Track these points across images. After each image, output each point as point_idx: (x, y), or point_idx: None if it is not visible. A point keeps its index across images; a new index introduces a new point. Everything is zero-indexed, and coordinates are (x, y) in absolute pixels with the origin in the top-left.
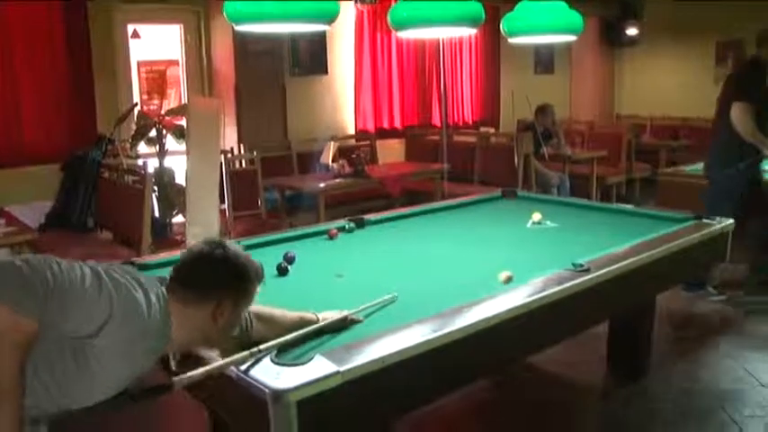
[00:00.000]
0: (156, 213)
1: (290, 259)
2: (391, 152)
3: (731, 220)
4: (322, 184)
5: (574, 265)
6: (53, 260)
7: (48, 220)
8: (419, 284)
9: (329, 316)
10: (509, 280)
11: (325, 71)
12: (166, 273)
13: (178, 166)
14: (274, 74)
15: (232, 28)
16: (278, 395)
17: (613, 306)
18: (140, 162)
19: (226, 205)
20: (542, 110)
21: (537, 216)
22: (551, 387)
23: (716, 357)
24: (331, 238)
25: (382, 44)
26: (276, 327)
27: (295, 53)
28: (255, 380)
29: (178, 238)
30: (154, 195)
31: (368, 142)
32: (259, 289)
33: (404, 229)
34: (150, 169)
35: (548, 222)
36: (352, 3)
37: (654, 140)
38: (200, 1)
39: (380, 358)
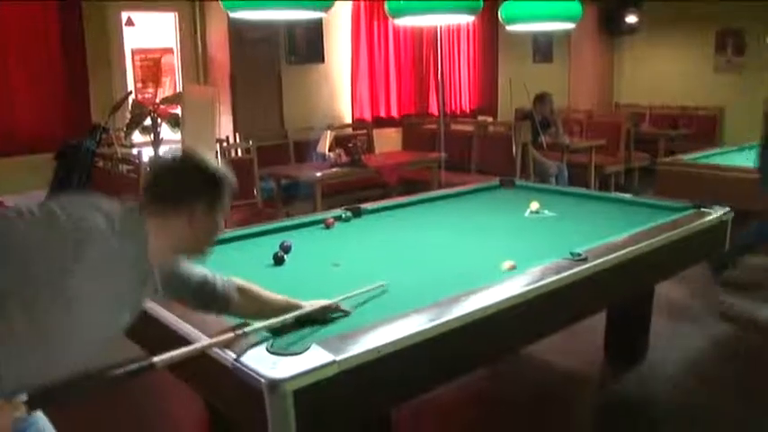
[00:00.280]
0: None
1: (286, 248)
2: (388, 141)
3: (729, 209)
4: (318, 174)
5: (572, 254)
6: None
7: None
8: (416, 274)
9: (316, 305)
10: (512, 269)
11: (322, 59)
12: None
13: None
14: (270, 62)
15: (227, 15)
16: (274, 385)
17: (611, 295)
18: (135, 151)
19: None
20: (540, 98)
21: (535, 205)
22: (549, 376)
23: (716, 347)
24: (327, 227)
25: (379, 32)
26: (258, 305)
27: (291, 41)
28: (251, 369)
29: None
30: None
31: (365, 131)
32: (228, 199)
33: (401, 219)
34: (145, 158)
35: (546, 212)
36: None
37: (653, 129)
38: None
39: (377, 348)
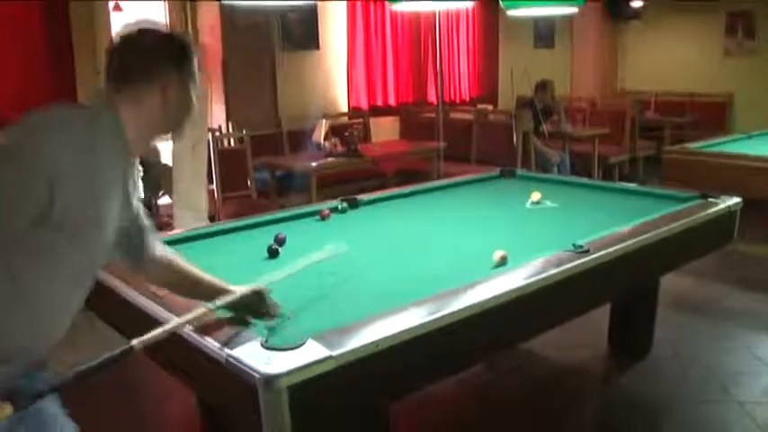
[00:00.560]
0: (142, 195)
1: (280, 241)
2: (385, 130)
3: (738, 199)
4: (314, 164)
5: (574, 245)
6: None
7: None
8: (414, 266)
9: (245, 289)
10: (503, 260)
11: (317, 46)
12: None
13: (164, 145)
14: (264, 49)
15: (219, 1)
16: (269, 381)
17: (615, 288)
18: None
19: (214, 186)
20: (542, 86)
21: (536, 196)
22: (551, 371)
23: (722, 341)
24: (323, 219)
25: (376, 18)
26: (189, 282)
27: (285, 27)
28: (245, 365)
29: (165, 220)
30: (138, 176)
31: (361, 120)
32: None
33: (398, 210)
34: None
35: (547, 202)
36: None
37: (658, 117)
38: None
39: (374, 342)
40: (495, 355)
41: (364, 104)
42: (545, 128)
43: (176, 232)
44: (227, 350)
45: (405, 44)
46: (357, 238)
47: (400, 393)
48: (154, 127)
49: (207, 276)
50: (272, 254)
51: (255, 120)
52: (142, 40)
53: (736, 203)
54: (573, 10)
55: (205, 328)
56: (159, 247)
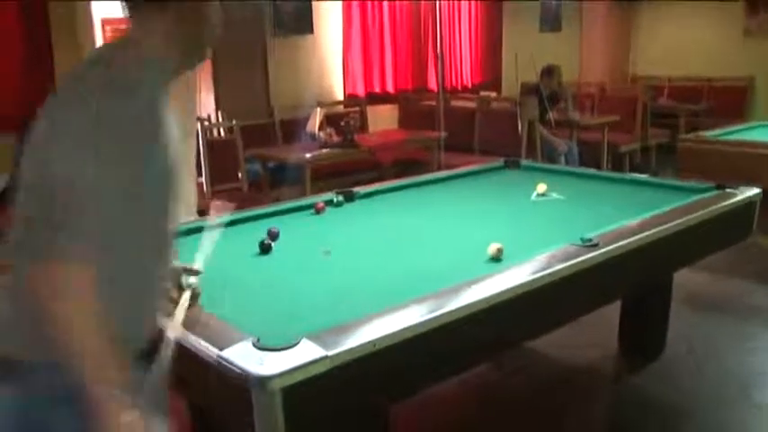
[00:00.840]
0: None
1: (273, 235)
2: (383, 119)
3: (757, 190)
4: (308, 155)
5: (582, 239)
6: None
7: (4, 196)
8: (414, 261)
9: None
10: (499, 253)
11: (311, 31)
12: None
13: None
14: (255, 34)
15: None
16: (261, 382)
17: (625, 284)
18: None
19: (203, 178)
20: (548, 71)
21: (542, 187)
22: (558, 371)
23: (741, 340)
24: (318, 212)
25: (373, 0)
26: None
27: (278, 11)
28: (237, 366)
29: None
30: None
31: (358, 108)
32: None
33: (397, 203)
34: None
35: (554, 194)
36: None
37: (673, 103)
38: None
39: (372, 341)
40: (499, 354)
41: (361, 92)
42: (551, 116)
43: None
44: (217, 350)
45: (404, 28)
46: (353, 233)
47: (400, 395)
48: (184, 51)
49: None
50: (265, 249)
51: (246, 109)
52: None
53: (756, 194)
54: None
55: (194, 327)
56: None
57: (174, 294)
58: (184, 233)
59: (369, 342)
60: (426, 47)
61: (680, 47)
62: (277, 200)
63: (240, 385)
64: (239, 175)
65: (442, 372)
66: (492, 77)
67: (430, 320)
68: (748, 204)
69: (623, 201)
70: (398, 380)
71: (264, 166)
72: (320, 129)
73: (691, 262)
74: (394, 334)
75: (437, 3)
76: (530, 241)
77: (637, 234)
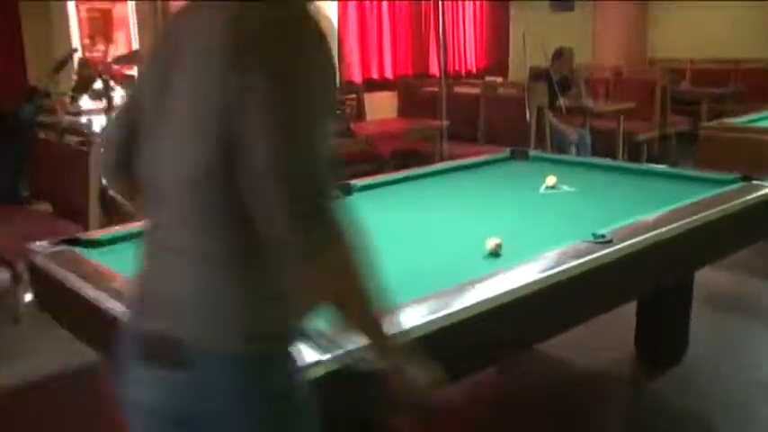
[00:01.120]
0: (105, 181)
1: None
2: (381, 107)
3: None
4: None
5: (594, 235)
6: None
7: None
8: (414, 259)
9: None
10: (498, 248)
11: None
12: (123, 249)
13: None
14: None
15: None
16: None
17: (642, 284)
18: (84, 119)
19: None
20: (559, 55)
21: (551, 179)
22: (570, 376)
23: (766, 343)
24: None
25: None
26: None
27: None
28: None
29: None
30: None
31: (354, 95)
32: None
33: (396, 197)
34: (96, 128)
35: (564, 187)
36: None
37: (695, 88)
38: None
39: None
40: (506, 358)
41: (357, 77)
42: (562, 102)
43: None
44: None
45: (403, 10)
46: None
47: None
48: None
49: None
50: None
51: None
52: None
53: None
54: None
55: None
56: None
57: None
58: None
59: (366, 345)
60: (428, 29)
61: (703, 26)
62: None
63: None
64: None
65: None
66: (498, 61)
67: (430, 322)
68: None
69: (639, 194)
70: None
71: None
72: None
73: (713, 260)
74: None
75: None
76: (538, 237)
77: (654, 230)
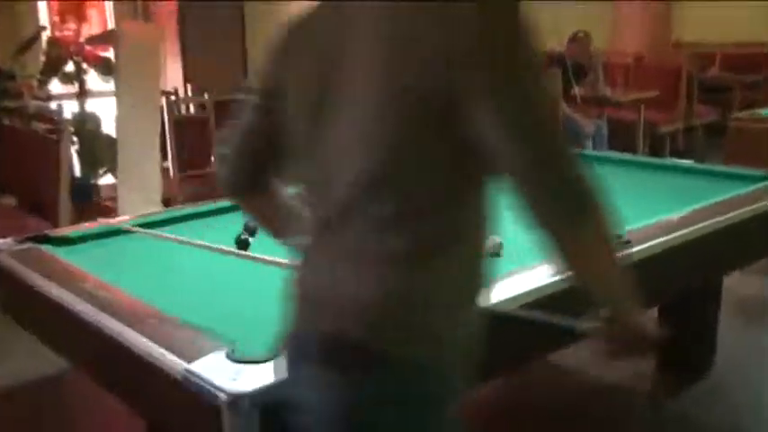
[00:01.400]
0: (77, 172)
1: (251, 230)
2: None
3: None
4: None
5: None
6: None
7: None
8: None
9: None
10: (498, 248)
11: None
12: (96, 248)
13: (105, 110)
14: None
15: None
16: (236, 401)
17: (663, 290)
18: (53, 105)
19: (169, 163)
20: (575, 39)
21: None
22: (586, 389)
23: None
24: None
25: None
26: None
27: None
28: (207, 381)
29: (107, 204)
30: (73, 149)
31: None
32: None
33: None
34: (67, 114)
35: None
36: None
37: (724, 75)
38: None
39: None
40: (515, 371)
41: None
42: (577, 91)
43: (122, 219)
44: (184, 363)
45: None
46: None
47: None
48: None
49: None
50: (242, 246)
51: (220, 82)
52: None
53: None
54: None
55: (155, 335)
56: None
57: None
58: (145, 226)
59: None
60: None
61: (735, 6)
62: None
63: (210, 404)
64: (212, 158)
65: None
66: None
67: None
68: None
69: (662, 191)
70: None
71: None
72: None
73: (744, 264)
74: None
75: None
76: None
77: (677, 230)
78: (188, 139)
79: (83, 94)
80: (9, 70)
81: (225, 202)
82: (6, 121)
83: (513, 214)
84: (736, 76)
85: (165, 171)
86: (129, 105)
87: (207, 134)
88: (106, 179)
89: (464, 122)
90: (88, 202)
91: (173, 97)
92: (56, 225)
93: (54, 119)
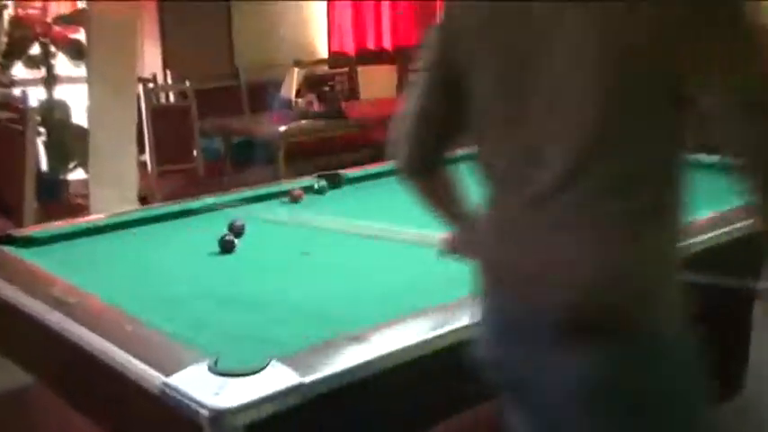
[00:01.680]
0: (44, 166)
1: (237, 230)
2: (379, 83)
3: None
4: (282, 128)
5: None
6: None
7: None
8: (415, 265)
9: None
10: None
11: None
12: (64, 250)
13: (75, 98)
14: None
15: None
16: (218, 417)
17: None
18: (17, 92)
19: (146, 156)
20: None
21: None
22: None
23: None
24: (294, 201)
25: None
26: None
27: None
28: (187, 396)
29: (78, 201)
30: (40, 140)
31: (346, 69)
32: None
33: (393, 191)
34: (33, 102)
35: None
36: None
37: None
38: None
39: (362, 365)
40: None
41: (350, 48)
42: None
43: (93, 218)
44: (162, 377)
45: None
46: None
47: None
48: None
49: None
50: (227, 247)
51: (203, 68)
52: None
53: None
54: None
55: (130, 344)
56: None
57: None
58: (119, 226)
59: (357, 366)
60: None
61: None
62: (242, 185)
63: (190, 421)
64: (194, 152)
65: (454, 404)
66: None
67: (436, 339)
68: None
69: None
70: (398, 414)
71: (226, 141)
72: (298, 95)
73: None
74: (391, 355)
75: None
76: None
77: (705, 234)
78: (167, 130)
79: (50, 79)
80: None
81: (207, 200)
82: None
83: None
84: None
85: (141, 165)
86: (102, 93)
87: (188, 125)
88: (76, 174)
89: (685, 75)
90: (56, 199)
91: (150, 84)
92: (20, 225)
93: (18, 107)
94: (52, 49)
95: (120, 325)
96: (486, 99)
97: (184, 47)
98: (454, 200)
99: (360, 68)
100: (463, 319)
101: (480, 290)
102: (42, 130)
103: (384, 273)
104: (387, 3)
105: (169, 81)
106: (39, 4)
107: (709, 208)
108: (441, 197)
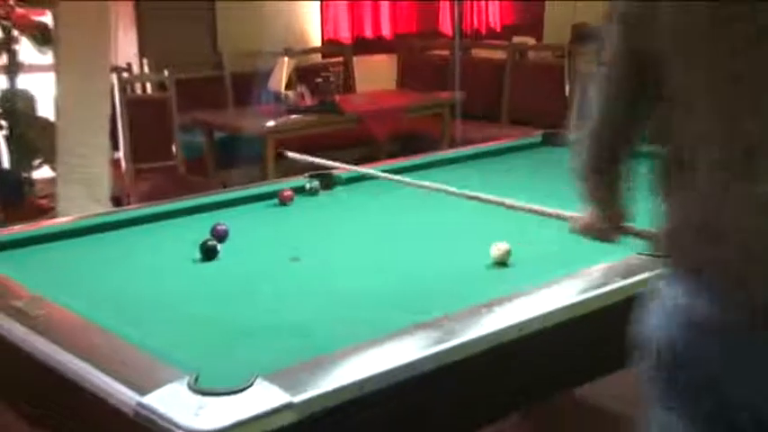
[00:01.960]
0: (6, 163)
1: (220, 235)
2: (376, 75)
3: None
4: (270, 123)
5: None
6: None
7: None
8: (414, 274)
9: None
10: (506, 256)
11: None
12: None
13: (41, 88)
14: None
15: None
16: None
17: None
18: None
19: (121, 153)
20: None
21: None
22: (609, 428)
23: None
24: (283, 202)
25: None
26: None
27: None
28: (163, 417)
29: (43, 202)
30: (0, 135)
31: (341, 59)
32: None
33: (392, 192)
34: None
35: None
36: None
37: None
38: None
39: (358, 383)
40: (531, 403)
41: (345, 36)
42: None
43: (61, 221)
44: (137, 396)
45: None
46: (331, 232)
47: None
48: None
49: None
50: (209, 253)
51: (183, 56)
52: None
53: None
54: None
55: (102, 361)
56: None
57: None
58: (91, 230)
59: (353, 384)
60: None
61: None
62: (226, 185)
63: None
64: (173, 149)
65: (455, 425)
66: (530, 18)
67: (438, 355)
68: None
69: None
70: None
71: (209, 136)
72: (288, 87)
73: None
74: (389, 372)
75: None
76: (577, 247)
77: None
78: (144, 124)
79: (13, 67)
80: None
81: (187, 202)
82: None
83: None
84: None
85: (115, 163)
86: (71, 82)
87: (166, 118)
88: (42, 172)
89: None
90: (19, 199)
91: (125, 74)
92: None
93: None
94: (15, 33)
95: (90, 339)
96: (697, 92)
97: (163, 32)
98: (617, 191)
99: (356, 59)
100: (466, 333)
101: (667, 285)
102: (3, 123)
103: (376, 280)
104: None
105: (146, 70)
106: None
107: None
108: (611, 191)
